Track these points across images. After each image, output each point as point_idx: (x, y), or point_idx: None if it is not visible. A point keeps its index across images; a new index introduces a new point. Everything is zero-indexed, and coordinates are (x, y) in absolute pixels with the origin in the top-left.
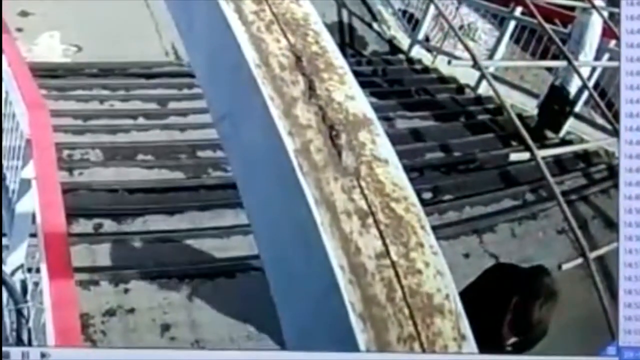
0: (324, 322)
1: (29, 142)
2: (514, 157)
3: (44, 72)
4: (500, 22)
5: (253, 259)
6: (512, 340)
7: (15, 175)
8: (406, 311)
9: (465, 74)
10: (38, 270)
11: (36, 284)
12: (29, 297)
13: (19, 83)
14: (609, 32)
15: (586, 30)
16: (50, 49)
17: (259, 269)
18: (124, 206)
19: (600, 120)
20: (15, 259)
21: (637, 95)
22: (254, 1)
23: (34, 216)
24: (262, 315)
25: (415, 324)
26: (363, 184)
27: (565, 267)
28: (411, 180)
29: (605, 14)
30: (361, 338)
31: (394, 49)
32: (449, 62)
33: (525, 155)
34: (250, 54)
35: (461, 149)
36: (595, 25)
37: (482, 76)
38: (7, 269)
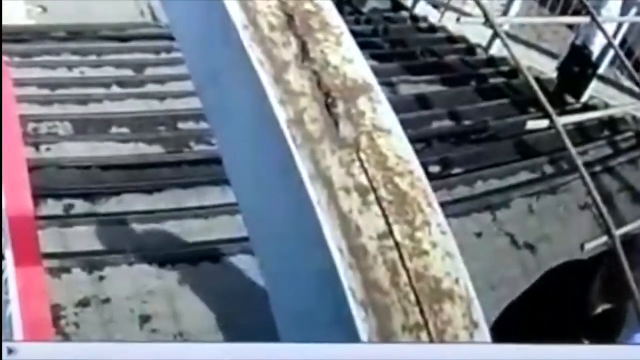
0: (320, 311)
1: None
2: (531, 124)
3: (6, 36)
4: None
5: (241, 242)
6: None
7: None
8: (412, 297)
9: (476, 33)
10: (3, 257)
11: (0, 272)
12: None
13: None
14: None
15: None
16: (12, 10)
17: (248, 253)
18: (97, 185)
19: (627, 83)
20: None
21: None
22: None
23: None
24: (251, 304)
25: (422, 311)
26: (363, 156)
27: (588, 246)
28: (417, 152)
29: None
30: (362, 327)
31: (396, 5)
32: (458, 20)
33: (544, 123)
34: (237, 14)
35: (472, 116)
36: None
37: (495, 35)
38: None
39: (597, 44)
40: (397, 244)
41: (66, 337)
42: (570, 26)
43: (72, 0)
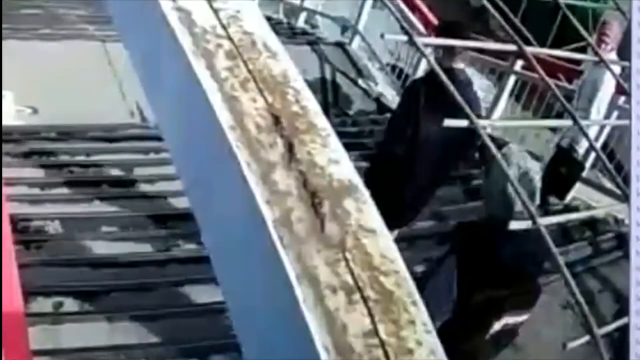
0: None
1: None
2: (513, 225)
3: None
4: (498, 78)
5: (230, 339)
6: None
7: None
8: None
9: None
10: None
11: None
12: None
13: None
14: (618, 88)
15: (599, 86)
16: (2, 111)
17: (237, 351)
18: (87, 283)
19: (608, 185)
20: None
21: None
22: (227, 57)
23: None
24: None
25: None
26: (349, 256)
27: (571, 345)
28: (401, 251)
29: (616, 68)
30: None
31: (382, 107)
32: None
33: (527, 224)
34: (224, 115)
35: (457, 216)
36: (609, 80)
37: (479, 137)
38: None
39: (584, 146)
40: (382, 343)
41: None
42: (552, 129)
43: (62, 102)
